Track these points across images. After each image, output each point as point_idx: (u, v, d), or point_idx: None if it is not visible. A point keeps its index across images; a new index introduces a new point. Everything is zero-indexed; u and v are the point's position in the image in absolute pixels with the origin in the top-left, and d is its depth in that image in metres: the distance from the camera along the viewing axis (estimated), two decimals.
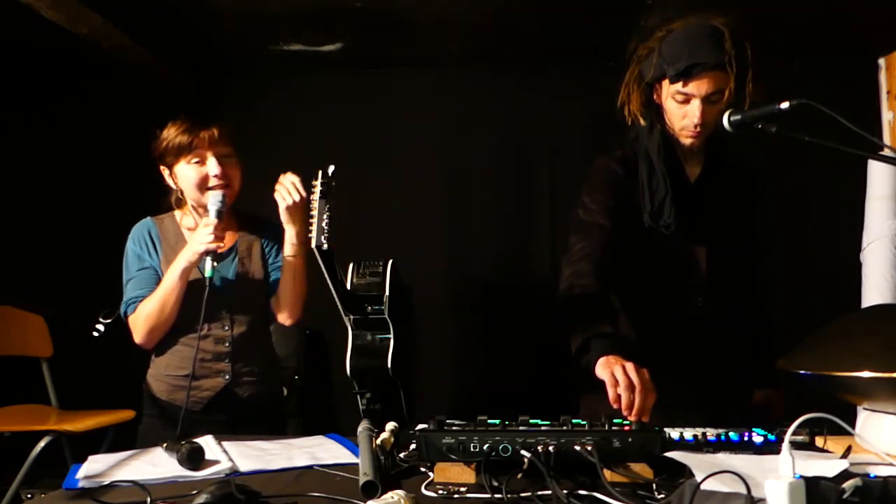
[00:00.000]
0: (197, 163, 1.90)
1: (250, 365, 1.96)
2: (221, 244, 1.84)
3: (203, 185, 1.90)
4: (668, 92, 1.73)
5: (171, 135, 1.90)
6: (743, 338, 1.87)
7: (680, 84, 1.68)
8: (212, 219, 1.84)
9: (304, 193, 1.83)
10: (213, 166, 1.89)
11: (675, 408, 1.71)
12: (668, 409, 1.70)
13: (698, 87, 1.67)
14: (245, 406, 1.93)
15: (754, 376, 1.90)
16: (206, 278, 1.80)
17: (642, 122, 1.80)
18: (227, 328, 1.94)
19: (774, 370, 1.78)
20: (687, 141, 1.76)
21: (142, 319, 1.89)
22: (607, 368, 1.45)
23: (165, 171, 1.96)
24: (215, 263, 1.82)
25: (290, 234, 1.89)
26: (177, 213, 2.02)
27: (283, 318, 2.00)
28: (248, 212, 2.08)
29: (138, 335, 1.91)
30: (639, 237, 1.80)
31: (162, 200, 2.02)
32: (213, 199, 1.87)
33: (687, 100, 1.70)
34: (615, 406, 1.41)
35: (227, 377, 1.93)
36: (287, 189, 1.84)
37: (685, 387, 1.74)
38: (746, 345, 1.87)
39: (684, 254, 1.81)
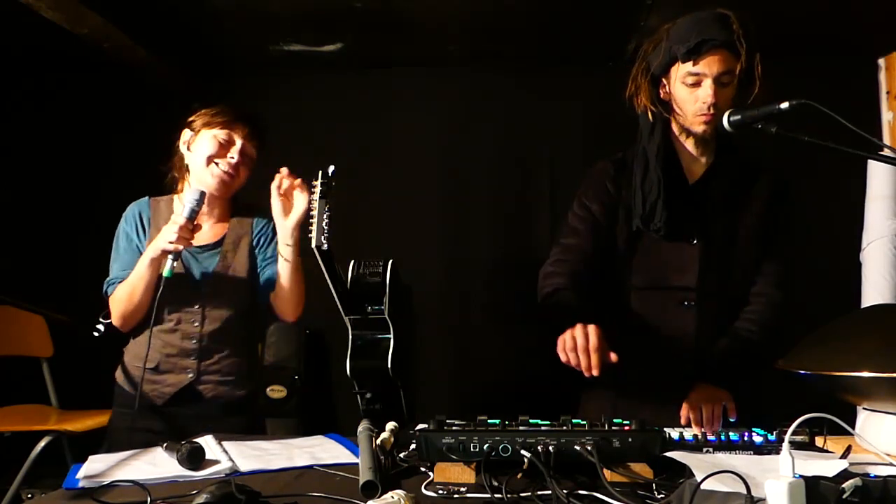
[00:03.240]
0: (223, 139, 1.90)
1: (220, 364, 1.89)
2: (185, 246, 1.77)
3: (213, 157, 1.88)
4: (679, 77, 1.72)
5: (214, 110, 1.94)
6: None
7: (690, 64, 1.68)
8: (182, 217, 1.76)
9: (295, 180, 1.78)
10: (236, 150, 1.90)
11: (663, 406, 1.72)
12: (658, 407, 1.71)
13: (709, 65, 1.67)
14: (209, 405, 1.87)
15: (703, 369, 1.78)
16: (161, 277, 1.74)
17: (650, 116, 1.79)
18: (196, 324, 1.87)
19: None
20: (700, 128, 1.74)
21: (115, 302, 1.86)
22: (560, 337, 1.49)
23: (185, 135, 1.95)
24: (175, 264, 1.75)
25: (284, 231, 1.82)
26: (175, 196, 1.99)
27: (286, 316, 1.96)
28: (245, 202, 2.03)
29: (114, 317, 1.88)
30: (630, 237, 1.82)
31: (160, 176, 2.00)
32: (190, 197, 1.79)
33: (698, 82, 1.69)
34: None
35: (192, 374, 1.86)
36: (280, 179, 1.79)
37: (673, 385, 1.75)
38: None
39: (675, 255, 1.80)
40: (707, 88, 1.68)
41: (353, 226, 3.09)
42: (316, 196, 1.65)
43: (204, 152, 1.90)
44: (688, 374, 1.77)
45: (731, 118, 1.63)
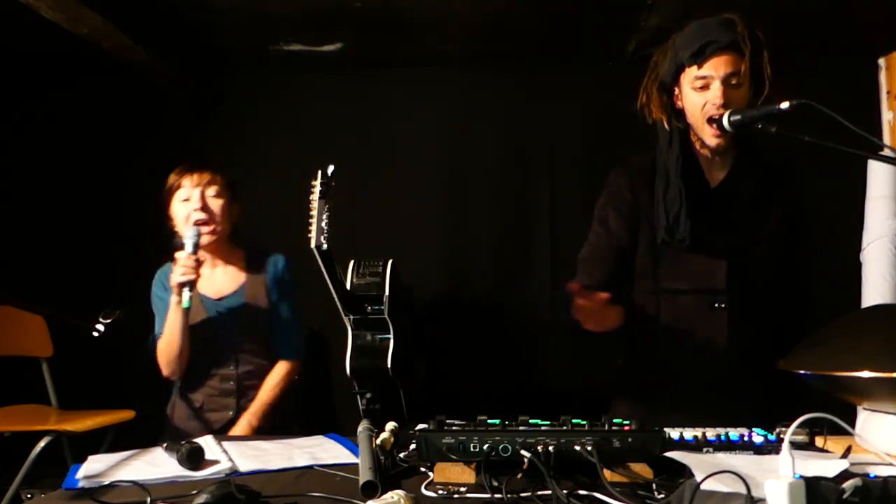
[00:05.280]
0: (185, 200, 2.06)
1: (253, 400, 2.09)
2: (195, 275, 1.94)
3: (187, 220, 2.05)
4: (688, 83, 1.72)
5: (170, 179, 2.10)
6: (771, 342, 1.82)
7: (696, 68, 1.69)
8: (186, 252, 1.95)
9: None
10: (195, 200, 2.05)
11: (697, 405, 1.72)
12: (691, 405, 1.71)
13: (715, 67, 1.67)
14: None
15: None
16: (183, 308, 1.93)
17: (666, 125, 1.79)
18: (232, 367, 2.08)
19: None
20: (713, 141, 1.72)
21: (160, 355, 2.07)
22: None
23: (169, 211, 2.12)
24: (190, 294, 1.92)
25: None
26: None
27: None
28: (256, 248, 2.21)
29: (162, 369, 2.09)
30: (654, 243, 1.81)
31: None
32: (189, 233, 1.99)
33: (706, 85, 1.69)
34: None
35: (232, 412, 2.06)
36: None
37: (707, 385, 1.75)
38: (775, 349, 1.84)
39: (702, 258, 1.79)
40: (715, 90, 1.68)
41: (353, 226, 3.09)
42: (315, 196, 1.66)
43: (179, 220, 2.09)
44: (721, 377, 1.76)
45: (732, 118, 1.63)
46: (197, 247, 1.97)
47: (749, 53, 1.66)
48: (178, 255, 1.97)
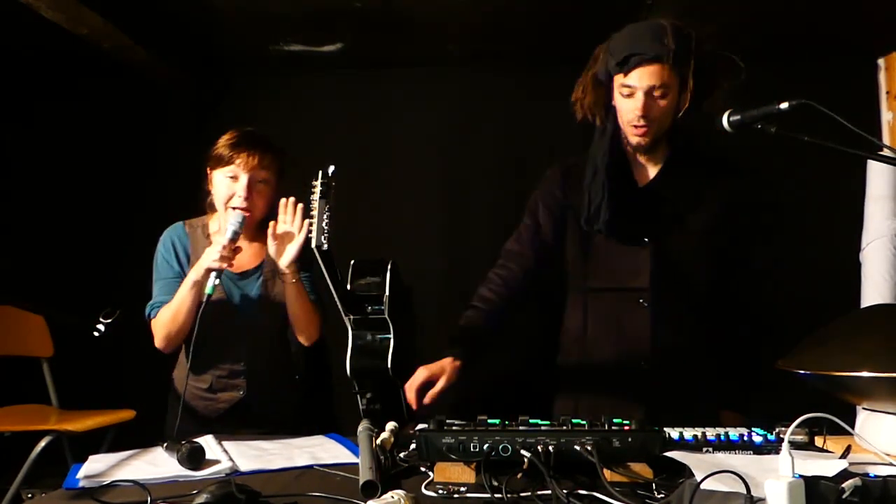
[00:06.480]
0: (231, 178, 1.92)
1: (266, 382, 2.00)
2: (228, 265, 1.83)
3: (227, 201, 1.92)
4: (616, 87, 1.76)
5: (221, 142, 1.95)
6: (697, 340, 1.84)
7: (622, 76, 1.72)
8: (225, 239, 1.83)
9: (300, 221, 1.83)
10: (241, 187, 1.91)
11: (624, 404, 1.74)
12: (618, 404, 1.73)
13: (639, 78, 1.70)
14: (258, 420, 1.95)
15: (722, 396, 1.86)
16: (205, 294, 1.78)
17: (598, 121, 1.83)
18: (242, 347, 1.97)
19: (744, 394, 1.82)
20: (634, 139, 1.78)
21: (159, 325, 1.93)
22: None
23: (209, 174, 1.99)
24: (217, 281, 1.80)
25: (280, 262, 1.87)
26: (211, 219, 2.05)
27: (302, 340, 2.02)
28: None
29: (157, 340, 1.95)
30: (583, 240, 1.86)
31: (199, 201, 2.05)
32: (232, 219, 1.87)
33: (631, 93, 1.73)
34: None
35: (243, 392, 1.97)
36: (289, 214, 1.84)
37: (629, 382, 1.80)
38: (702, 347, 1.85)
39: (628, 257, 1.82)
40: (637, 101, 1.72)
41: (353, 226, 3.09)
42: (316, 196, 1.66)
43: (219, 196, 1.94)
44: (643, 371, 1.79)
45: (731, 118, 1.63)
46: (237, 235, 1.85)
47: (674, 64, 1.67)
48: (216, 239, 1.87)
